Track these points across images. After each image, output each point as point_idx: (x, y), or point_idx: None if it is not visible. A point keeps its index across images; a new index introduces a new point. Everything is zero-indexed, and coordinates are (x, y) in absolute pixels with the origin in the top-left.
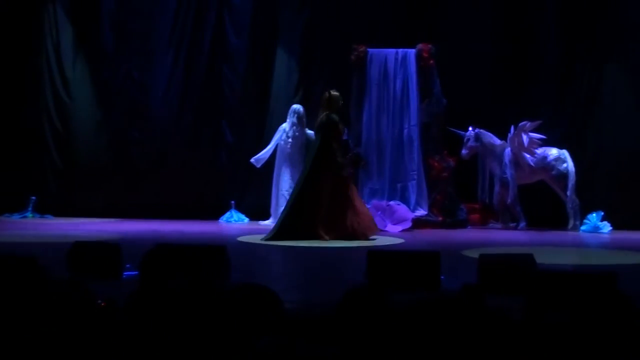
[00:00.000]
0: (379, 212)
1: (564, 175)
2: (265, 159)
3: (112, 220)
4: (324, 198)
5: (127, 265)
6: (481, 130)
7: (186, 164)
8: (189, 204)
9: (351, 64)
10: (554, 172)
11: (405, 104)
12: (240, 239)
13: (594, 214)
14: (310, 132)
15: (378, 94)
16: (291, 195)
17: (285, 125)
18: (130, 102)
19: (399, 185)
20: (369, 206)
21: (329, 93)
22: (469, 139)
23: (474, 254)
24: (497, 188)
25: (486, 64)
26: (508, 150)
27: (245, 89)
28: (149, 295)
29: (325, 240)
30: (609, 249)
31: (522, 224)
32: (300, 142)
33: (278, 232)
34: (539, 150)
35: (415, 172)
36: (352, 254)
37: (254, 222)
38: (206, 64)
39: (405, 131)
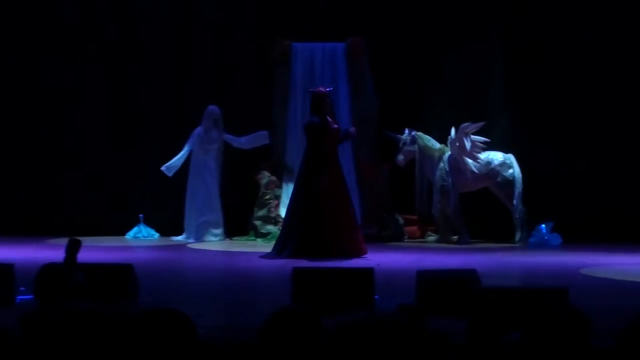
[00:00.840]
0: None
1: (509, 182)
2: (178, 166)
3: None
4: (321, 208)
5: (21, 289)
6: (418, 133)
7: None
8: (91, 218)
9: (274, 60)
10: (499, 179)
11: (334, 105)
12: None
13: (543, 225)
14: (228, 136)
15: (304, 94)
16: (288, 206)
17: (200, 129)
18: None
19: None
20: None
21: (310, 92)
22: (405, 143)
23: (411, 270)
24: (436, 197)
25: (425, 61)
26: (448, 155)
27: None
28: (45, 320)
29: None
30: (558, 262)
31: (465, 237)
32: (216, 148)
33: (281, 247)
34: (483, 155)
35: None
36: (277, 273)
37: (166, 238)
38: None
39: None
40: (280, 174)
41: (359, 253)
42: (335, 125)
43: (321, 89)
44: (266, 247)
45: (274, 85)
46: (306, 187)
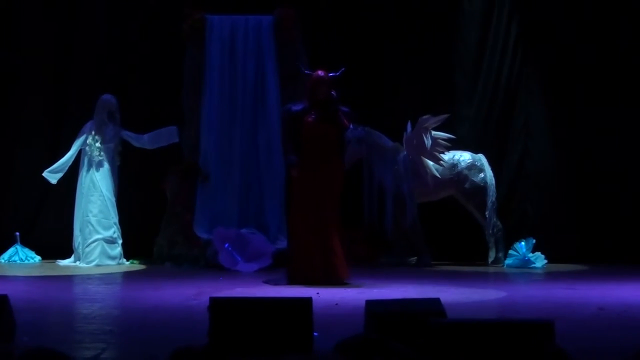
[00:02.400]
0: (226, 245)
1: (480, 188)
2: (64, 171)
3: None
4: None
5: None
6: (366, 128)
7: None
8: None
9: (183, 37)
10: (467, 185)
11: (260, 92)
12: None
13: (523, 242)
14: (127, 133)
15: (221, 78)
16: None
17: (91, 124)
18: None
19: (253, 205)
20: (211, 237)
21: (304, 73)
22: (349, 141)
23: (359, 300)
24: (389, 207)
25: (373, 37)
26: (404, 155)
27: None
28: None
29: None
30: (542, 289)
31: (426, 258)
32: (112, 147)
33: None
34: (446, 155)
35: (275, 187)
36: (190, 305)
37: (49, 262)
38: None
39: (262, 130)
40: (193, 181)
41: (341, 278)
42: (329, 122)
43: (320, 72)
44: (176, 273)
45: (184, 69)
46: (290, 199)
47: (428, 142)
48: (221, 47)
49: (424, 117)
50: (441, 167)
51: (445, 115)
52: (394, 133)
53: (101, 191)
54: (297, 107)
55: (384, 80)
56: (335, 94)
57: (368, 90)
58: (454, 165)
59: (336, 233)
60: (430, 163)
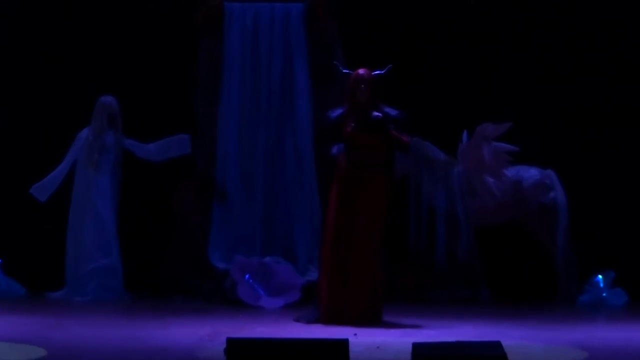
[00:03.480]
0: (247, 276)
1: (549, 210)
2: (55, 187)
3: None
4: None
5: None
6: (414, 138)
7: None
8: None
9: (197, 28)
10: (533, 207)
11: (288, 93)
12: None
13: (600, 276)
14: (130, 142)
15: (242, 77)
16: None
17: (87, 131)
18: None
19: (279, 229)
20: (229, 266)
21: (343, 72)
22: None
23: (405, 343)
24: (441, 232)
25: (422, 29)
26: (459, 170)
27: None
28: None
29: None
30: (623, 331)
31: (483, 292)
32: (112, 159)
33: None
34: (509, 171)
35: (306, 207)
36: (204, 348)
37: (37, 294)
38: None
39: (290, 139)
40: (208, 199)
41: (382, 316)
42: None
43: (361, 70)
44: (187, 308)
45: (198, 67)
46: (325, 221)
47: (488, 154)
48: (242, 41)
49: (483, 124)
50: (503, 185)
51: (509, 123)
52: (446, 144)
53: (99, 210)
54: (335, 113)
55: (434, 82)
56: (382, 113)
57: (415, 92)
58: (518, 182)
59: (378, 263)
60: (490, 180)
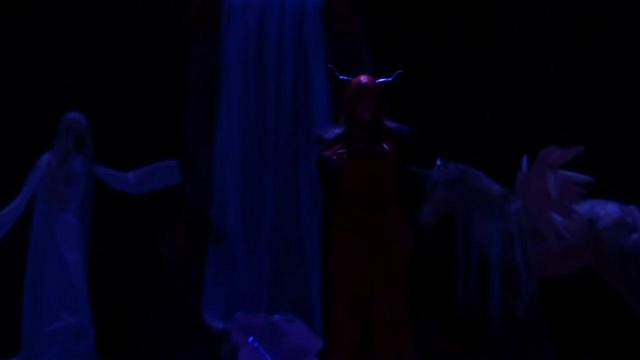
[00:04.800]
0: (251, 339)
1: (632, 256)
2: (9, 226)
3: None
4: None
5: None
6: (460, 166)
7: None
8: None
9: (188, 28)
10: (612, 251)
11: (302, 108)
12: None
13: None
14: (105, 170)
15: (245, 89)
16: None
17: (49, 157)
18: None
19: (290, 279)
20: (228, 326)
21: (340, 79)
22: (435, 184)
23: None
24: (495, 284)
25: (474, 32)
26: (518, 205)
27: None
28: None
29: None
30: None
31: None
32: (81, 191)
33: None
34: (581, 207)
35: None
36: None
37: None
38: None
39: (304, 166)
40: (201, 241)
41: None
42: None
43: (363, 78)
44: None
45: (189, 76)
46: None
47: (553, 186)
48: (244, 43)
49: (548, 149)
50: (573, 225)
51: (580, 147)
52: (501, 173)
53: (64, 255)
54: (329, 134)
55: (485, 93)
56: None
57: (459, 107)
58: (592, 221)
59: (401, 325)
60: (557, 218)
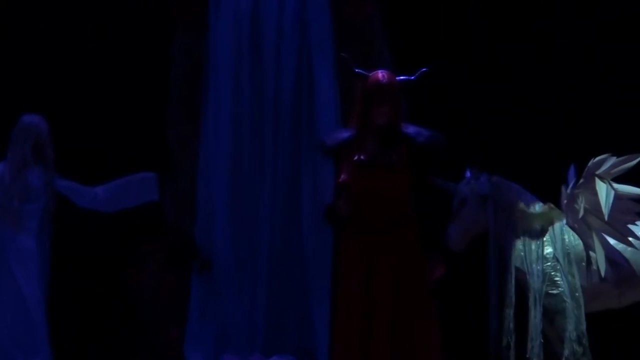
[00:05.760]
0: None
1: None
2: None
3: None
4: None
5: None
6: (494, 178)
7: None
8: None
9: (170, 17)
10: None
11: (306, 110)
12: None
13: None
14: (68, 183)
15: (236, 87)
16: None
17: (1, 168)
18: None
19: (290, 312)
20: None
21: (355, 73)
22: (464, 199)
23: None
24: (535, 319)
25: (505, 23)
26: (562, 226)
27: None
28: None
29: None
30: None
31: None
32: (39, 209)
33: None
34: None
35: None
36: None
37: None
38: None
39: (307, 180)
40: (184, 269)
41: None
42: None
43: (381, 74)
44: None
45: (171, 73)
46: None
47: (607, 202)
48: (236, 33)
49: (599, 158)
50: (632, 250)
51: (638, 156)
52: (543, 186)
53: (20, 285)
54: (336, 138)
55: (523, 94)
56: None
57: (494, 110)
58: None
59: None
60: (612, 241)
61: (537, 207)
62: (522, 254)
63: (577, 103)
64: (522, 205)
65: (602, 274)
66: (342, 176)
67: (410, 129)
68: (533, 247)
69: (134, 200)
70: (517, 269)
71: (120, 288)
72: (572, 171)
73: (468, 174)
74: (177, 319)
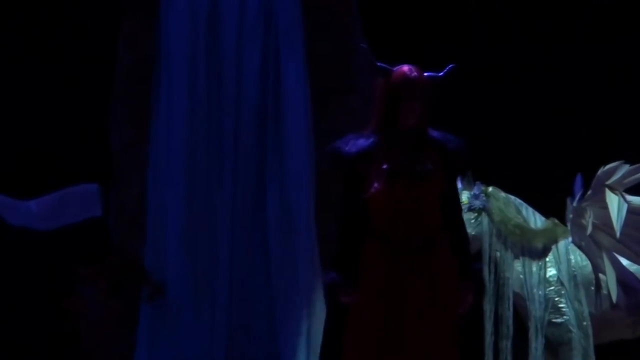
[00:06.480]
0: None
1: None
2: None
3: None
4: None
5: None
6: (490, 189)
7: None
8: None
9: (115, 5)
10: None
11: (272, 111)
12: None
13: None
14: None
15: (191, 82)
16: None
17: None
18: None
19: (253, 345)
20: None
21: (377, 66)
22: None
23: None
24: (536, 350)
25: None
26: (568, 243)
27: None
28: None
29: None
30: None
31: None
32: None
33: None
34: None
35: (301, 304)
36: None
37: None
38: None
39: (274, 190)
40: (131, 295)
41: None
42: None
43: (407, 68)
44: None
45: (116, 67)
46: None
47: (618, 217)
48: (191, 19)
49: (609, 166)
50: None
51: None
52: (546, 199)
53: None
54: (354, 147)
55: (528, 98)
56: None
57: (495, 117)
58: None
59: None
60: (625, 261)
61: (539, 223)
62: (522, 276)
63: (585, 105)
64: (521, 220)
65: (614, 299)
66: (375, 185)
67: (435, 133)
68: (534, 268)
69: (74, 216)
70: (516, 294)
71: (57, 320)
72: (578, 181)
73: (459, 184)
74: (122, 353)
